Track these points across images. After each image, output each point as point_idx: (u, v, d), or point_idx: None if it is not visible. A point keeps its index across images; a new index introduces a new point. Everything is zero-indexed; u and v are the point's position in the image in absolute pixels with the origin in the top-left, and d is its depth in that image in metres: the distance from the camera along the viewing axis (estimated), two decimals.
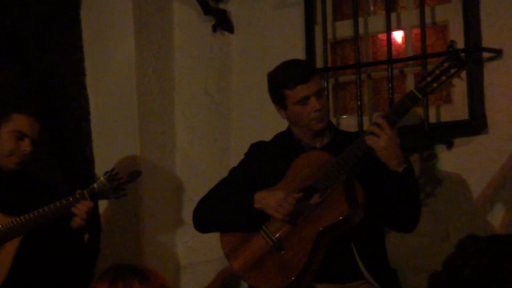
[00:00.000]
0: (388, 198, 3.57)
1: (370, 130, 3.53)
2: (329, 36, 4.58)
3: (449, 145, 4.22)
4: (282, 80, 3.70)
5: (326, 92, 3.75)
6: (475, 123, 4.16)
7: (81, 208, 3.79)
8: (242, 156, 3.95)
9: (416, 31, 4.38)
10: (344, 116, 4.61)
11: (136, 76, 4.71)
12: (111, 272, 2.24)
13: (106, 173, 3.88)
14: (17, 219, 3.80)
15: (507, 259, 1.88)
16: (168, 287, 2.24)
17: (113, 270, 2.25)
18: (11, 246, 3.81)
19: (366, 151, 3.55)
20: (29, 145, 3.90)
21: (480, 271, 1.88)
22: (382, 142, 3.49)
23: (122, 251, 4.70)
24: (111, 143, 4.75)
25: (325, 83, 4.44)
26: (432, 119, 4.26)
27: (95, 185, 3.86)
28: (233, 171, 3.91)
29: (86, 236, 4.01)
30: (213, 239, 4.23)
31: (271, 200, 3.61)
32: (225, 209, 3.74)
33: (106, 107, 4.79)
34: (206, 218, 3.82)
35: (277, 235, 3.67)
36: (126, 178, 3.93)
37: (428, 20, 4.30)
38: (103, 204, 4.75)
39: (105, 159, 4.58)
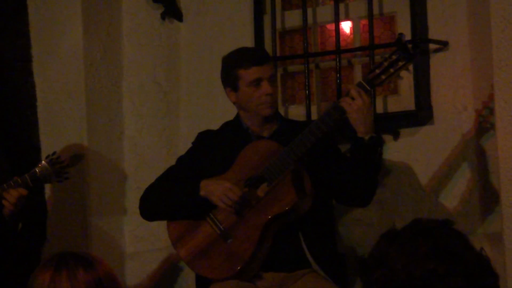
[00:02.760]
0: (350, 166, 3.59)
1: (348, 91, 3.56)
2: (278, 25, 4.58)
3: (396, 136, 4.25)
4: (238, 60, 3.72)
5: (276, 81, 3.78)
6: (421, 114, 4.20)
7: (12, 194, 3.75)
8: (190, 145, 3.94)
9: (364, 21, 4.40)
10: (293, 106, 4.62)
11: (84, 63, 4.67)
12: (55, 261, 2.22)
13: (47, 156, 3.86)
14: None
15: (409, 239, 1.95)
16: (114, 274, 2.23)
17: (56, 258, 2.23)
18: None
19: (326, 129, 3.56)
20: None
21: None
22: (356, 105, 3.51)
23: (68, 238, 4.66)
24: (58, 131, 4.71)
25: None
26: (379, 109, 4.29)
27: (37, 169, 3.83)
28: (180, 159, 3.90)
29: (20, 225, 3.94)
30: (160, 227, 4.22)
31: (216, 189, 3.62)
32: (171, 196, 3.74)
33: (53, 94, 4.74)
34: (152, 206, 3.82)
35: (224, 224, 3.68)
36: (68, 161, 3.90)
37: (376, 11, 4.33)
38: (49, 191, 4.71)
39: (52, 147, 4.53)
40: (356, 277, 4.16)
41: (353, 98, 3.53)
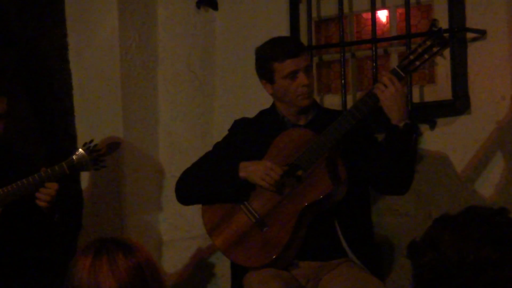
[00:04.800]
0: (385, 154, 3.58)
1: (381, 80, 3.54)
2: (314, 14, 4.57)
3: (432, 125, 4.23)
4: (272, 53, 3.71)
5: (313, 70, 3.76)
6: (458, 103, 4.17)
7: (45, 192, 3.77)
8: (225, 133, 3.95)
9: (401, 10, 4.38)
10: (328, 95, 4.61)
11: (119, 52, 4.68)
12: (95, 246, 2.22)
13: (84, 144, 3.87)
14: None
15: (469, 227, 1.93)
16: (153, 261, 2.23)
17: (96, 243, 2.23)
18: None
19: (360, 116, 3.54)
20: None
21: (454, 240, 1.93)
22: (389, 93, 3.50)
23: (104, 227, 4.69)
24: (94, 119, 4.73)
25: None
26: (416, 99, 4.27)
27: (74, 157, 3.84)
28: (217, 145, 3.91)
29: (57, 216, 3.96)
30: (195, 215, 4.23)
31: (257, 168, 3.62)
32: (209, 178, 3.74)
33: (89, 83, 4.76)
34: (189, 189, 3.82)
35: (260, 212, 3.68)
36: (105, 149, 3.92)
37: (412, 0, 4.30)
38: (85, 180, 4.73)
39: (87, 135, 4.54)
40: (391, 266, 4.15)
41: (385, 85, 3.52)
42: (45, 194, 3.77)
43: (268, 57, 3.72)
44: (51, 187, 3.77)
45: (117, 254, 2.18)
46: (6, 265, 3.88)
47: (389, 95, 3.50)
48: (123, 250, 2.20)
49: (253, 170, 3.62)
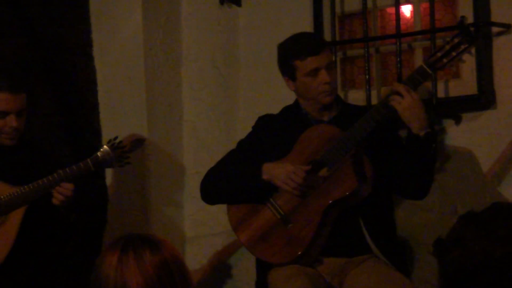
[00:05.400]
0: (406, 161, 3.57)
1: (396, 90, 3.53)
2: (337, 9, 4.56)
3: (458, 120, 4.21)
4: (293, 51, 3.70)
5: (335, 67, 3.73)
6: (484, 98, 4.15)
7: (60, 191, 3.79)
8: (249, 129, 3.95)
9: (425, 5, 4.35)
10: (352, 90, 4.59)
11: (144, 48, 4.70)
12: (121, 242, 2.23)
13: (109, 141, 3.88)
14: (21, 188, 3.80)
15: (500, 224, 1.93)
16: (180, 257, 2.23)
17: (123, 239, 2.24)
18: (16, 216, 3.82)
19: (381, 119, 3.54)
20: (14, 120, 3.86)
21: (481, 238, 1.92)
22: (406, 103, 3.49)
23: (129, 223, 4.70)
24: (118, 115, 4.75)
25: (333, 57, 4.42)
26: (441, 94, 4.25)
27: (98, 153, 3.85)
28: (241, 143, 3.91)
29: (74, 217, 3.97)
30: (219, 212, 4.23)
31: (279, 172, 3.62)
32: (233, 179, 3.74)
33: (113, 79, 4.78)
34: (213, 189, 3.82)
35: (284, 209, 3.67)
36: (129, 146, 3.93)
37: None
38: (110, 176, 4.75)
39: (112, 131, 4.56)
40: (416, 262, 4.14)
41: (402, 96, 3.50)
42: (60, 193, 3.78)
43: (289, 55, 3.71)
44: (67, 188, 3.78)
45: (144, 250, 2.19)
46: (32, 262, 3.91)
47: (406, 106, 3.50)
48: (150, 246, 2.20)
49: (275, 174, 3.62)
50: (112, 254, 2.19)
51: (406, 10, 4.47)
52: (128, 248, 2.19)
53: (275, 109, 3.98)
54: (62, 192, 3.78)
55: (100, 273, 2.19)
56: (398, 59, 4.28)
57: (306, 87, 3.69)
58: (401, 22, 4.33)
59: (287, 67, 3.73)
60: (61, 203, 3.80)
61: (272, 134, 3.82)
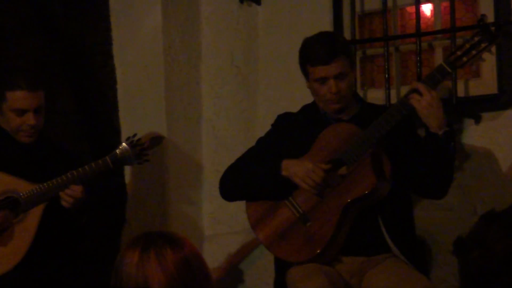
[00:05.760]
0: (425, 161, 3.55)
1: (415, 88, 3.51)
2: (357, 8, 4.56)
3: (477, 120, 4.19)
4: (306, 56, 3.70)
5: (349, 75, 3.66)
6: (504, 98, 4.13)
7: (69, 193, 3.80)
8: (268, 127, 3.94)
9: (445, 4, 4.34)
10: (371, 89, 4.58)
11: (163, 47, 4.70)
12: (142, 240, 2.23)
13: (128, 139, 3.90)
14: (40, 185, 3.82)
15: None
16: (200, 254, 2.24)
17: (143, 237, 2.24)
18: (36, 213, 3.83)
19: (400, 118, 3.52)
20: (32, 118, 3.88)
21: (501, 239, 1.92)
22: (425, 102, 3.47)
23: (148, 221, 4.71)
24: (137, 113, 4.76)
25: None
26: (461, 93, 4.24)
27: (117, 151, 3.87)
28: (260, 140, 3.91)
29: (84, 218, 3.98)
30: (238, 210, 4.24)
31: (299, 170, 3.61)
32: (252, 175, 3.74)
33: (132, 77, 4.79)
34: (232, 185, 3.83)
35: (303, 207, 3.67)
36: (148, 144, 3.93)
37: None
38: (129, 174, 4.76)
39: (131, 129, 4.58)
40: (435, 261, 4.13)
41: (421, 94, 3.49)
42: (69, 195, 3.80)
43: (303, 58, 3.72)
44: (76, 190, 3.80)
45: (165, 248, 2.19)
46: (50, 259, 3.92)
47: (425, 104, 3.48)
48: (170, 243, 2.20)
49: (295, 171, 3.62)
50: (133, 251, 2.20)
51: (426, 9, 4.46)
52: (149, 245, 2.19)
53: (294, 107, 3.97)
54: (71, 194, 3.79)
55: (121, 271, 2.19)
56: (418, 58, 4.27)
57: (315, 92, 3.71)
58: (421, 21, 4.33)
59: (302, 68, 3.74)
60: (70, 205, 3.81)
61: (292, 132, 3.82)
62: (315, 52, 3.65)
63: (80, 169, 3.83)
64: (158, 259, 2.17)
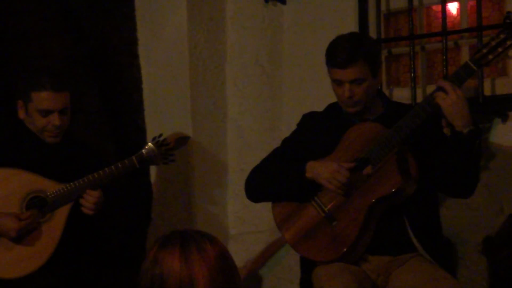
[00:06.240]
0: (450, 160, 3.53)
1: (440, 86, 3.49)
2: (383, 7, 4.54)
3: (504, 118, 4.17)
4: (327, 55, 3.70)
5: (368, 81, 3.62)
6: None
7: (88, 199, 3.81)
8: (293, 127, 3.94)
9: (472, 2, 4.32)
10: (397, 88, 4.57)
11: (188, 46, 4.71)
12: (178, 237, 2.23)
13: (154, 138, 3.91)
14: (67, 185, 3.84)
15: None
16: (228, 251, 2.26)
17: (178, 234, 2.24)
18: (62, 213, 3.85)
19: (426, 116, 3.51)
20: (57, 118, 3.89)
21: None
22: (450, 100, 3.45)
23: (173, 220, 4.72)
24: (162, 113, 4.77)
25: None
26: (487, 91, 4.22)
27: (143, 151, 3.89)
28: (285, 141, 3.91)
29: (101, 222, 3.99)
30: (263, 209, 4.23)
31: (324, 171, 3.61)
32: (277, 178, 3.74)
33: (158, 77, 4.80)
34: (257, 187, 3.83)
35: (329, 206, 3.67)
36: (174, 144, 3.94)
37: None
38: (154, 174, 4.77)
39: (156, 129, 4.59)
40: (462, 261, 4.11)
41: (446, 92, 3.47)
42: (89, 202, 3.81)
43: (326, 56, 3.72)
44: (93, 195, 3.81)
45: (204, 242, 2.20)
46: (77, 258, 3.94)
47: (451, 102, 3.46)
48: (208, 238, 2.21)
49: (319, 173, 3.61)
50: (172, 249, 2.19)
51: (453, 7, 4.44)
52: (189, 241, 2.19)
53: (320, 106, 3.97)
54: (90, 199, 3.81)
55: (161, 269, 2.17)
56: (444, 57, 4.25)
57: (334, 91, 3.71)
58: (448, 20, 4.31)
59: (326, 65, 3.73)
60: (91, 211, 3.82)
61: (317, 132, 3.81)
62: (335, 54, 3.65)
63: (106, 168, 3.84)
64: (200, 253, 2.17)
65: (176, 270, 2.16)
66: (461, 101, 3.47)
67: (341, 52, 3.62)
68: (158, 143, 3.91)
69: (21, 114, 3.95)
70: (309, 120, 3.90)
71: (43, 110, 3.87)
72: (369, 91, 3.66)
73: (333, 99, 3.91)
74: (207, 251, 2.17)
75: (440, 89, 3.49)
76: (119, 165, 3.85)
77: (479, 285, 4.00)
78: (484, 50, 3.52)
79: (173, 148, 3.97)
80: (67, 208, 3.86)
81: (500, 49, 3.50)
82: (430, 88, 4.33)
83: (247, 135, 4.81)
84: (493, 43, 3.51)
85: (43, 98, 3.86)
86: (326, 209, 3.67)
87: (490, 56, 3.51)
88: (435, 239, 3.68)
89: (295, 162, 3.71)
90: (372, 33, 4.49)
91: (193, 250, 2.17)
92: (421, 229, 3.64)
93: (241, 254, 4.73)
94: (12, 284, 3.77)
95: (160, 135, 3.94)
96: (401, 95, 4.44)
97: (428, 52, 4.53)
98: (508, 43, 3.49)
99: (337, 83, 3.65)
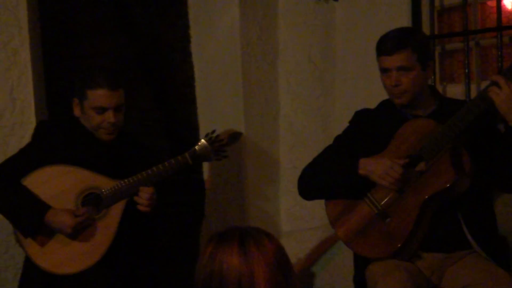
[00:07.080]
0: (504, 155, 3.50)
1: (494, 81, 3.45)
2: (436, 3, 4.51)
3: None
4: (377, 46, 3.69)
5: (416, 71, 3.60)
6: None
7: (143, 196, 3.84)
8: (345, 124, 3.93)
9: None
10: (451, 84, 4.53)
11: (241, 44, 4.72)
12: (236, 233, 2.23)
13: (207, 135, 3.93)
14: (121, 182, 3.87)
15: None
16: (284, 247, 2.26)
17: (235, 231, 2.24)
18: (117, 210, 3.88)
19: (479, 112, 3.47)
20: (112, 116, 3.92)
21: None
22: (504, 95, 3.42)
23: (226, 216, 4.74)
24: (215, 110, 4.79)
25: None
26: None
27: (196, 147, 3.90)
28: (338, 138, 3.90)
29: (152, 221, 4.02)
30: (316, 206, 4.23)
31: (377, 167, 3.59)
32: (330, 175, 3.74)
33: (210, 74, 4.82)
34: (310, 185, 3.83)
35: (382, 203, 3.65)
36: (226, 140, 3.96)
37: None
38: (207, 171, 4.79)
39: (209, 125, 4.61)
40: None
41: (500, 87, 3.43)
42: (142, 198, 3.83)
43: (376, 48, 3.70)
44: (147, 191, 3.83)
45: (262, 238, 2.20)
46: (132, 254, 3.97)
47: (504, 97, 3.42)
48: (265, 234, 2.22)
49: (372, 169, 3.60)
50: (230, 245, 2.19)
51: (508, 2, 4.40)
52: (247, 237, 2.20)
53: (372, 104, 3.95)
54: (144, 196, 3.83)
55: (220, 265, 2.18)
56: (499, 52, 4.20)
57: (382, 82, 3.69)
58: (503, 15, 4.26)
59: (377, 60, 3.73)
60: (147, 208, 3.85)
61: (369, 129, 3.80)
62: (382, 43, 3.65)
63: (160, 165, 3.87)
64: (259, 249, 2.18)
65: (236, 266, 2.16)
66: None
67: (389, 40, 3.64)
68: (211, 140, 3.92)
69: (77, 112, 3.99)
70: (361, 117, 3.89)
71: (99, 108, 3.91)
72: (417, 83, 3.63)
73: (385, 96, 3.90)
74: (265, 246, 2.18)
75: (493, 83, 3.46)
76: (172, 161, 3.87)
77: None
78: None
79: (226, 144, 3.98)
80: (122, 204, 3.89)
81: None
82: (485, 84, 4.29)
83: (299, 132, 4.81)
84: None
85: (99, 96, 3.90)
86: (379, 206, 3.66)
87: None
88: (490, 236, 3.65)
89: (348, 159, 3.70)
90: (426, 29, 4.46)
91: (252, 246, 2.18)
92: (476, 225, 3.61)
93: (293, 251, 4.74)
94: (67, 280, 3.81)
95: (213, 131, 3.96)
96: (455, 91, 4.41)
97: (483, 47, 4.49)
98: None
99: (383, 72, 3.64)
